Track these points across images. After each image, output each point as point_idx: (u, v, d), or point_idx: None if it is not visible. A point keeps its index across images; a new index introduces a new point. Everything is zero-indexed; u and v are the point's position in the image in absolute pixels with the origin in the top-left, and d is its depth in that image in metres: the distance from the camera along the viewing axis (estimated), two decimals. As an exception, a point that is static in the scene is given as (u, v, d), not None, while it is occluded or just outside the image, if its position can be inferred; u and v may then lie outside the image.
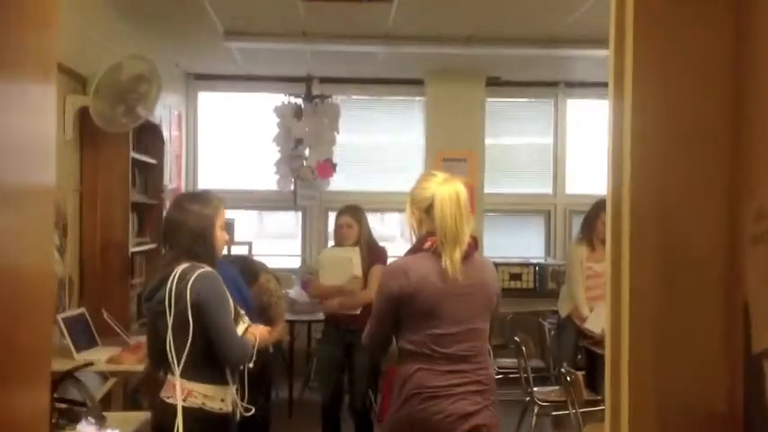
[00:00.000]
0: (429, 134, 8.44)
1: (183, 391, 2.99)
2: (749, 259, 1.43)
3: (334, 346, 5.27)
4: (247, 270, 4.93)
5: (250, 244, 8.18)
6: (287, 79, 8.28)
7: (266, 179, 8.14)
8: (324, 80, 8.37)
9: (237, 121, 8.86)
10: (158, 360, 3.22)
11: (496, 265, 8.23)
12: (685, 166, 1.52)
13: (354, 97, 8.85)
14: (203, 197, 3.29)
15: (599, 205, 5.84)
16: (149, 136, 6.05)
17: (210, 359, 3.04)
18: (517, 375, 5.95)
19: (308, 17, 6.23)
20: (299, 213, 8.76)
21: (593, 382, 5.24)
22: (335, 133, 7.93)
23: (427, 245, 2.99)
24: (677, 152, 1.51)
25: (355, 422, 5.33)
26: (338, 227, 5.30)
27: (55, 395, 3.36)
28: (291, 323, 6.50)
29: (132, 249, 5.41)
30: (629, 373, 1.53)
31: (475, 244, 3.07)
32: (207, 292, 3.01)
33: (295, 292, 7.22)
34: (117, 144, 5.19)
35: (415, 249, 3.06)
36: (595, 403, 4.99)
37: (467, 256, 2.97)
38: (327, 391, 5.34)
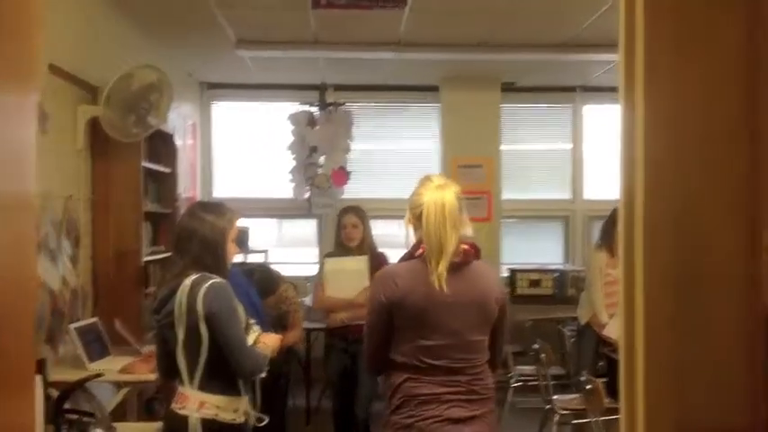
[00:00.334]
0: (444, 141, 8.39)
1: (196, 402, 2.95)
2: (770, 267, 1.37)
3: (343, 355, 5.19)
4: (265, 281, 4.92)
5: (266, 252, 8.16)
6: (301, 87, 8.27)
7: (281, 187, 8.11)
8: (338, 88, 8.36)
9: (252, 129, 8.85)
10: (168, 372, 3.18)
11: (515, 271, 8.25)
12: (700, 170, 1.46)
13: (368, 104, 8.81)
14: (217, 208, 3.24)
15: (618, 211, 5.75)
16: (162, 145, 6.04)
17: (222, 370, 3.01)
18: (537, 383, 5.88)
19: (319, 25, 6.21)
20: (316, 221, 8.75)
21: (614, 389, 5.15)
22: (349, 141, 7.91)
23: (419, 252, 2.88)
24: (691, 156, 1.45)
25: (357, 428, 5.28)
26: (343, 226, 5.14)
27: (66, 406, 3.34)
28: (308, 331, 6.46)
29: (146, 258, 5.40)
30: (645, 386, 1.46)
31: (475, 252, 2.93)
32: (218, 303, 2.97)
33: (311, 299, 7.17)
34: (129, 153, 5.18)
35: (407, 256, 2.96)
36: (616, 411, 4.84)
37: (459, 266, 2.84)
38: (337, 399, 5.34)
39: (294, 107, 7.94)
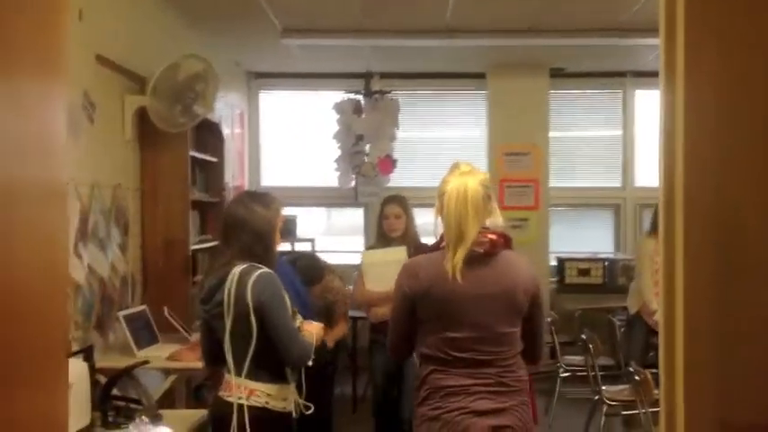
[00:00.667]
0: (491, 128, 8.31)
1: (245, 391, 2.97)
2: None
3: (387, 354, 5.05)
4: (310, 270, 4.88)
5: (313, 240, 8.19)
6: (347, 76, 8.27)
7: (329, 176, 8.13)
8: (384, 75, 8.33)
9: (298, 117, 8.88)
10: (214, 360, 3.22)
11: (563, 260, 8.15)
12: (741, 158, 1.40)
13: (414, 92, 8.77)
14: (266, 198, 3.24)
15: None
16: (209, 134, 6.10)
17: (272, 359, 3.02)
18: (585, 373, 5.81)
19: (365, 12, 6.19)
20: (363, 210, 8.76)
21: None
22: (395, 129, 7.88)
23: (444, 243, 2.81)
24: (732, 143, 1.40)
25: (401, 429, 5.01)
26: (385, 216, 4.90)
27: (114, 392, 3.39)
28: (354, 319, 6.46)
29: (193, 247, 5.45)
30: (685, 379, 1.42)
31: (504, 242, 2.84)
32: (268, 293, 2.98)
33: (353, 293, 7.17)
34: (176, 143, 5.23)
35: (434, 247, 2.91)
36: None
37: (484, 256, 2.76)
38: (379, 398, 5.07)
39: (340, 96, 7.94)
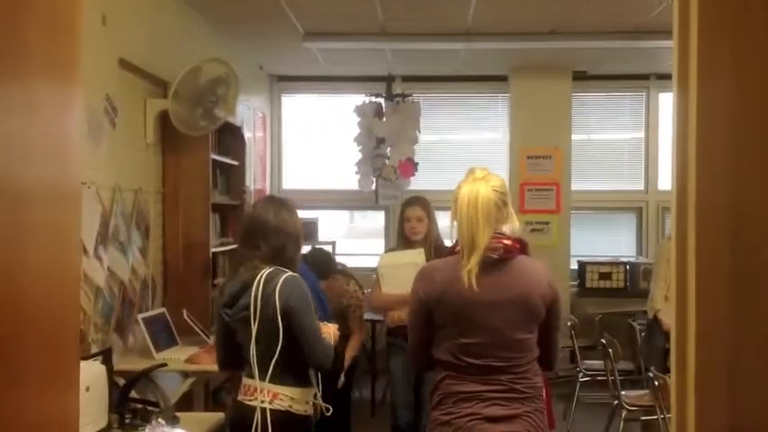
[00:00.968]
0: (513, 131, 8.28)
1: (268, 395, 2.98)
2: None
3: (406, 357, 4.66)
4: (320, 263, 4.82)
5: (334, 243, 8.21)
6: (368, 79, 8.28)
7: (350, 179, 8.15)
8: (405, 79, 8.35)
9: (320, 121, 8.90)
10: (231, 365, 3.24)
11: (583, 263, 8.10)
12: (755, 162, 1.39)
13: (436, 95, 8.77)
14: (290, 203, 3.26)
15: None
16: (230, 138, 6.13)
17: (296, 362, 3.03)
18: (605, 378, 5.78)
19: (386, 16, 6.19)
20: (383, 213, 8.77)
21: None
22: (417, 132, 7.88)
23: (459, 247, 2.79)
24: (745, 147, 1.39)
25: None
26: (406, 219, 4.70)
27: (132, 395, 3.41)
28: (373, 323, 6.47)
29: (214, 250, 5.48)
30: (696, 385, 1.41)
31: (520, 248, 2.82)
32: (295, 297, 3.00)
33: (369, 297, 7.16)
34: (198, 146, 5.26)
35: (450, 251, 2.90)
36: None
37: (499, 262, 2.74)
38: (406, 410, 4.79)
39: (361, 99, 7.96)
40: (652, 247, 8.48)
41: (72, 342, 1.38)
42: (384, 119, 7.77)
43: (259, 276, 3.00)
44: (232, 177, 6.27)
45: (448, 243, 4.98)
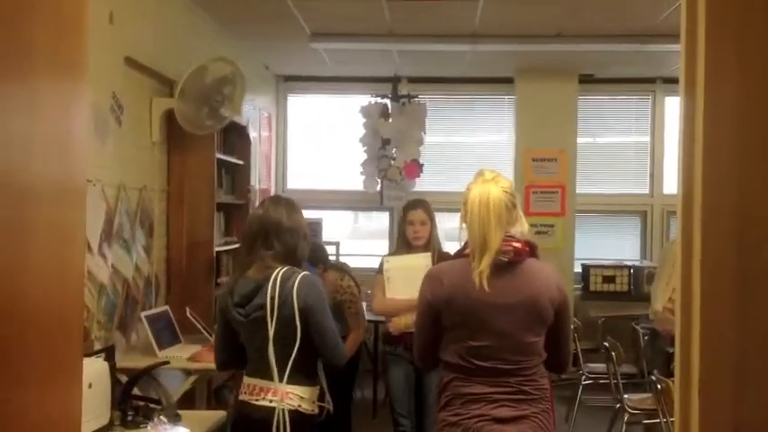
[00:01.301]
0: (518, 133, 8.27)
1: (279, 394, 2.98)
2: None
3: (407, 366, 4.51)
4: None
5: (338, 244, 8.21)
6: (374, 80, 8.28)
7: (354, 180, 8.15)
8: (411, 80, 8.35)
9: (326, 121, 8.91)
10: (231, 364, 3.24)
11: (587, 267, 8.09)
12: (761, 165, 1.38)
13: (442, 97, 8.77)
14: (298, 204, 3.27)
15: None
16: (236, 137, 6.14)
17: (309, 362, 3.05)
18: (607, 381, 5.77)
19: (393, 17, 6.19)
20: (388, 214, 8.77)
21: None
22: (422, 133, 7.88)
23: (468, 250, 2.78)
24: (752, 149, 1.38)
25: None
26: (409, 223, 4.51)
27: (135, 392, 3.42)
28: (375, 323, 6.46)
29: (218, 248, 5.49)
30: (700, 387, 1.40)
31: (530, 250, 2.81)
32: (313, 296, 3.00)
33: (370, 302, 7.14)
34: (203, 145, 5.27)
35: (458, 253, 2.88)
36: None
37: (509, 264, 2.73)
38: (408, 420, 4.61)
39: (367, 99, 7.96)
40: (656, 250, 8.47)
41: (75, 340, 1.38)
42: (390, 120, 7.78)
43: (274, 276, 3.00)
44: (237, 177, 6.28)
45: (448, 246, 4.96)
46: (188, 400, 4.51)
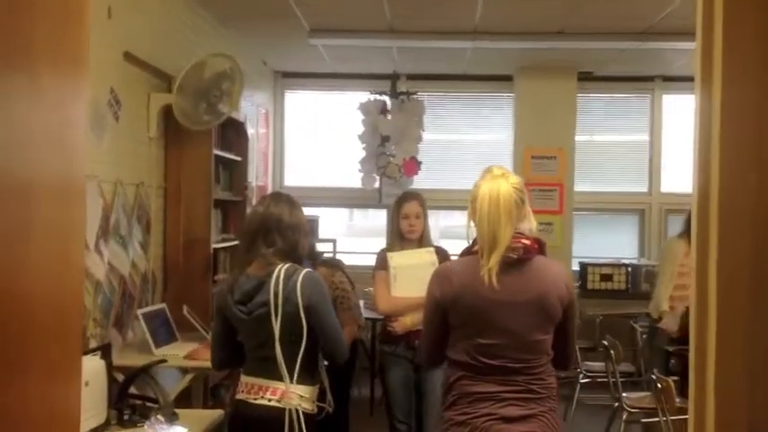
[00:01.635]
0: (517, 131, 8.25)
1: (280, 393, 2.96)
2: None
3: (407, 366, 4.42)
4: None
5: (334, 241, 8.18)
6: (373, 76, 8.25)
7: (352, 177, 8.11)
8: (410, 77, 8.32)
9: (324, 118, 8.87)
10: (229, 363, 3.21)
11: (585, 265, 8.08)
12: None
13: (441, 94, 8.74)
14: (297, 201, 3.23)
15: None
16: (233, 133, 6.10)
17: (311, 361, 3.02)
18: (605, 380, 5.76)
19: (393, 13, 6.16)
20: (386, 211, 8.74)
21: (687, 388, 4.98)
22: (421, 131, 7.85)
23: (476, 247, 2.76)
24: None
25: None
26: (404, 216, 4.37)
27: (131, 390, 3.39)
28: (373, 321, 6.44)
29: (215, 246, 5.45)
30: (716, 388, 1.38)
31: (538, 248, 2.79)
32: (317, 293, 2.98)
33: (373, 300, 7.10)
34: (200, 141, 5.23)
35: (466, 251, 2.85)
36: (687, 411, 4.73)
37: (518, 262, 2.71)
38: (406, 424, 4.48)
39: (366, 96, 7.93)
40: (654, 249, 8.46)
41: (74, 336, 1.36)
42: (389, 117, 7.74)
43: (276, 272, 2.97)
44: (234, 173, 6.24)
45: (446, 244, 4.92)
46: (185, 399, 4.47)
